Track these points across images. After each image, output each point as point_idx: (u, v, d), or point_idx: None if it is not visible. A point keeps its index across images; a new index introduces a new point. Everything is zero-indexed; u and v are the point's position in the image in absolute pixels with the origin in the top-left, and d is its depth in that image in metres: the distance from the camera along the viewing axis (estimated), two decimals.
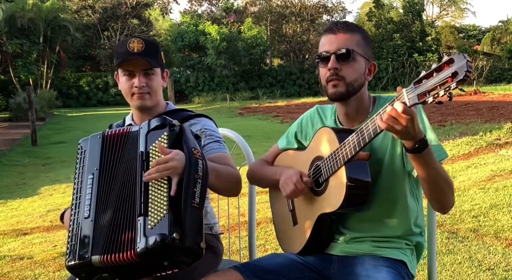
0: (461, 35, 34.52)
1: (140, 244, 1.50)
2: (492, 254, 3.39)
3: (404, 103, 1.32)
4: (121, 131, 1.75)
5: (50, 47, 21.88)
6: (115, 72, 2.01)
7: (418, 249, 1.76)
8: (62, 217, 1.87)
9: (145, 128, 1.69)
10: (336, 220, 1.71)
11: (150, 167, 1.60)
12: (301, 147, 1.89)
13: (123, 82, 1.93)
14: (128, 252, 1.52)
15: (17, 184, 7.21)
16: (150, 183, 1.58)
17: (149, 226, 1.52)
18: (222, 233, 2.14)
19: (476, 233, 3.84)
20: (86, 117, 18.05)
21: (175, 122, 1.67)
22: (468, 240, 3.68)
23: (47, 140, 11.97)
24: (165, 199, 1.55)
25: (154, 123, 1.69)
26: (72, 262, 1.59)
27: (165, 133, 1.65)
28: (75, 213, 1.66)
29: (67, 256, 1.61)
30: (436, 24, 32.77)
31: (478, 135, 8.07)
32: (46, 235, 4.38)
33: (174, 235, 1.48)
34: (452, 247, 3.56)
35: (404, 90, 1.33)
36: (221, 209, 2.39)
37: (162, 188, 1.58)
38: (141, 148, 1.66)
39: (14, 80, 21.41)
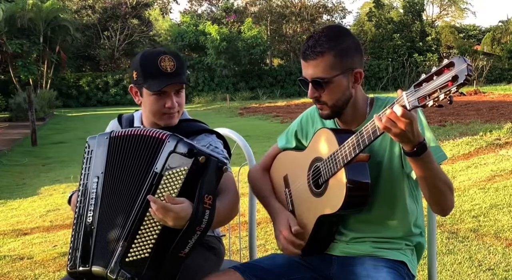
0: (461, 35, 34.49)
1: (113, 271, 1.51)
2: (492, 254, 3.39)
3: (404, 106, 1.31)
4: (137, 132, 1.66)
5: (50, 47, 21.88)
6: (131, 85, 1.88)
7: (418, 249, 1.76)
8: (69, 201, 1.82)
9: (172, 144, 1.56)
10: (336, 221, 1.71)
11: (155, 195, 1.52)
12: (300, 147, 1.89)
13: (151, 102, 1.79)
14: (105, 269, 1.53)
15: (17, 184, 7.21)
16: (147, 214, 1.51)
17: (127, 259, 1.51)
18: (224, 235, 2.14)
19: (476, 233, 3.84)
20: (86, 117, 18.05)
21: (202, 158, 1.52)
22: (468, 240, 3.68)
23: (47, 140, 11.96)
24: (153, 240, 1.51)
25: (182, 147, 1.54)
26: (73, 269, 1.59)
27: (186, 167, 1.52)
28: (78, 216, 1.64)
29: (69, 262, 1.60)
30: (436, 24, 32.77)
31: (478, 135, 8.07)
32: (46, 235, 4.38)
33: None
34: (452, 247, 3.56)
35: (404, 93, 1.32)
36: None
37: (156, 227, 1.51)
38: (158, 166, 1.54)
39: (14, 80, 21.39)
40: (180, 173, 1.52)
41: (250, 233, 2.26)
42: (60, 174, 7.52)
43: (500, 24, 32.90)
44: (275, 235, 1.79)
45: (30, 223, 4.83)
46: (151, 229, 1.51)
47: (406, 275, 1.65)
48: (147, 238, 1.51)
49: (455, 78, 1.19)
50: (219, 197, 1.66)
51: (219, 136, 1.92)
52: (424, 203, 1.74)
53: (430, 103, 1.25)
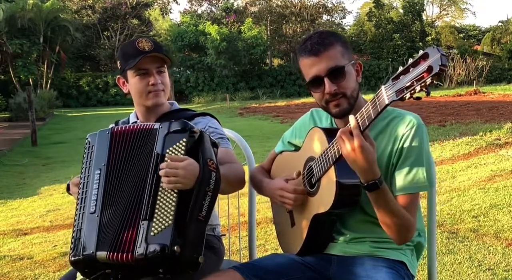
0: (461, 35, 34.52)
1: (140, 249, 1.51)
2: (492, 254, 3.39)
3: (360, 124, 1.38)
4: (135, 127, 1.73)
5: (50, 47, 21.89)
6: (117, 76, 1.99)
7: (418, 249, 1.76)
8: (68, 189, 1.85)
9: (165, 128, 1.66)
10: (333, 220, 1.70)
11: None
12: (297, 149, 1.90)
13: (135, 82, 1.89)
14: (127, 254, 1.53)
15: (17, 184, 7.22)
16: (160, 189, 1.57)
17: (152, 233, 1.52)
18: (224, 235, 2.14)
19: (476, 233, 3.83)
20: (86, 117, 18.04)
21: (196, 128, 1.64)
22: (468, 240, 3.68)
23: (47, 140, 11.97)
24: (172, 208, 1.55)
25: (175, 126, 1.65)
26: (76, 257, 1.59)
27: (184, 139, 1.62)
28: (80, 207, 1.66)
29: (71, 251, 1.61)
30: (436, 24, 32.79)
31: (478, 135, 8.07)
32: (46, 235, 4.38)
33: (175, 248, 1.50)
34: (452, 247, 3.56)
35: (383, 87, 1.32)
36: (221, 209, 2.39)
37: (171, 196, 1.57)
38: (158, 149, 1.63)
39: (14, 80, 21.41)
40: (180, 146, 1.62)
41: (250, 233, 2.26)
42: (60, 174, 7.53)
43: (500, 24, 32.95)
44: (273, 199, 1.81)
45: (30, 223, 4.83)
46: (167, 199, 1.57)
47: (405, 275, 1.65)
48: (165, 208, 1.56)
49: (430, 69, 1.18)
50: (224, 165, 1.77)
51: (211, 116, 2.03)
52: (424, 203, 1.74)
53: (407, 95, 1.24)
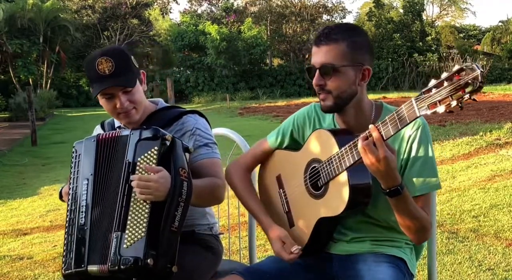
0: (461, 35, 34.50)
1: (113, 262, 1.52)
2: (492, 254, 3.39)
3: (381, 135, 1.38)
4: (113, 134, 1.72)
5: (50, 47, 21.87)
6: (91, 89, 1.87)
7: (417, 249, 1.77)
8: (61, 196, 1.85)
9: (136, 135, 1.64)
10: (336, 223, 1.70)
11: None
12: (293, 147, 1.83)
13: (104, 104, 1.82)
14: (104, 266, 1.54)
15: (17, 184, 7.21)
16: (132, 200, 1.57)
17: (124, 245, 1.53)
18: (222, 234, 2.13)
19: (476, 233, 3.83)
20: (86, 117, 18.03)
21: (168, 136, 1.63)
22: (468, 240, 3.68)
23: (47, 140, 11.96)
24: (145, 220, 1.55)
25: (147, 133, 1.63)
26: (69, 271, 1.60)
27: (156, 147, 1.61)
28: (70, 219, 1.67)
29: (64, 265, 1.62)
30: (436, 24, 32.77)
31: (478, 135, 8.07)
32: (46, 235, 4.38)
33: (149, 260, 1.50)
34: (452, 247, 3.56)
35: (413, 99, 1.31)
36: (221, 209, 2.38)
37: (143, 208, 1.56)
38: (129, 157, 1.62)
39: (14, 80, 21.39)
40: (152, 154, 1.61)
41: (250, 233, 2.26)
42: (60, 174, 7.52)
43: (500, 24, 32.90)
44: (272, 249, 1.78)
45: (30, 223, 4.83)
46: (139, 210, 1.56)
47: (406, 272, 1.66)
48: (138, 219, 1.55)
49: (467, 85, 1.18)
50: (204, 179, 1.75)
51: (200, 114, 1.96)
52: None
53: (442, 109, 1.24)
